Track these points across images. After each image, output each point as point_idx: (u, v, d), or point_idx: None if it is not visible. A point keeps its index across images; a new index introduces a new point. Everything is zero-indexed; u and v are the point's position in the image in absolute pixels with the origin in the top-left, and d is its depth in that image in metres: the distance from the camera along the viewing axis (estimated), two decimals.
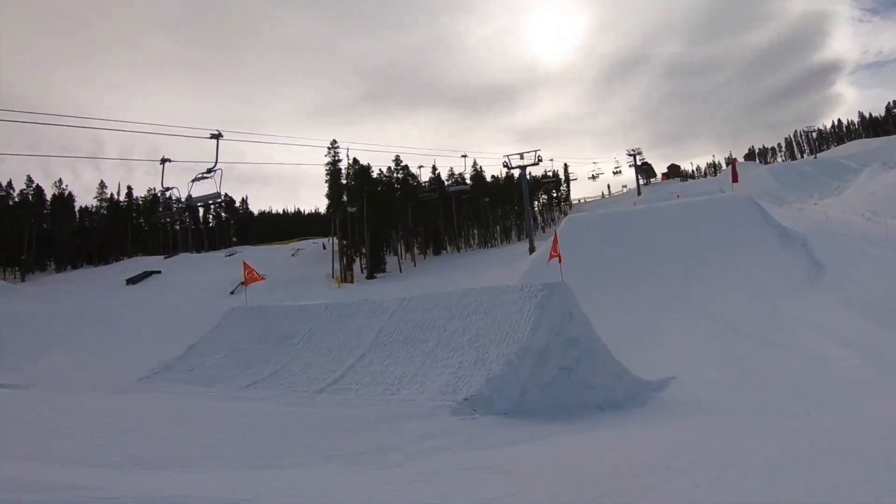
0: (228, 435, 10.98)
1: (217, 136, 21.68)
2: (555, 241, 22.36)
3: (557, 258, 21.20)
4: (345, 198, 68.19)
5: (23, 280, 72.00)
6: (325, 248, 75.11)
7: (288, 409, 14.16)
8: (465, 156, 66.67)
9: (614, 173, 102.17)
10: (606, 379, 15.72)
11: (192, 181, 22.13)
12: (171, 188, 25.71)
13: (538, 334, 15.07)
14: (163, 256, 78.94)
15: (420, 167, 76.11)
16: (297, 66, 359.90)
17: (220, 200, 21.97)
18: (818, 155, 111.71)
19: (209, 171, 22.07)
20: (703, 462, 6.10)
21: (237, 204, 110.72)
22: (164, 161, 23.77)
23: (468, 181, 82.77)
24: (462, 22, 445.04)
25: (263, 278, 25.69)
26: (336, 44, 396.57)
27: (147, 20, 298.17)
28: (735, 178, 51.56)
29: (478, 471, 7.29)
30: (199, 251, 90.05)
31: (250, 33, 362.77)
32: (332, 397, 15.27)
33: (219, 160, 22.74)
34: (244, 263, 25.91)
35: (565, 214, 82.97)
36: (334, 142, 68.05)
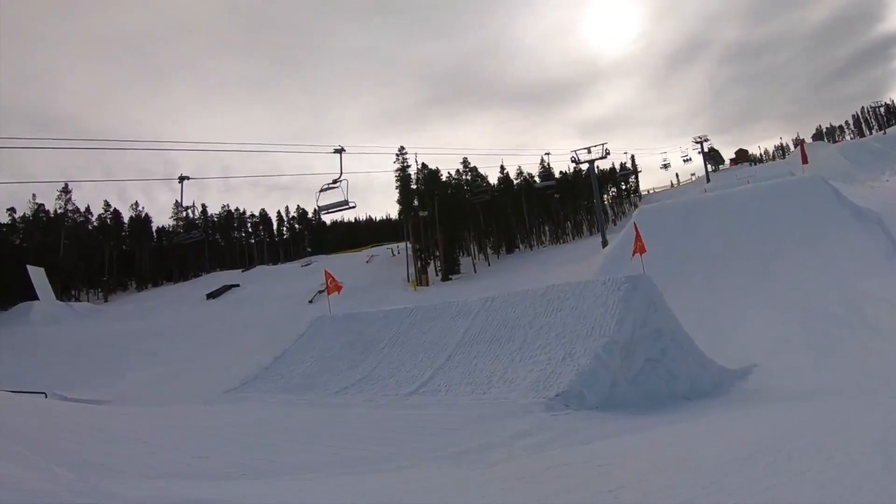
0: (329, 441, 11.17)
1: (340, 151, 22.47)
2: (637, 234, 22.11)
3: (640, 251, 21.12)
4: (416, 202, 68.60)
5: (106, 300, 73.95)
6: (394, 254, 75.64)
7: (382, 412, 14.35)
8: (547, 153, 66.46)
9: (684, 161, 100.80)
10: (692, 369, 15.66)
11: (320, 191, 23.03)
12: (190, 206, 26.36)
13: (624, 327, 15.11)
14: (240, 270, 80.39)
15: (474, 167, 76.46)
16: (361, 75, 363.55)
17: (347, 207, 22.69)
18: (887, 130, 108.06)
19: (335, 181, 22.96)
20: (807, 447, 6.03)
21: (310, 215, 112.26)
22: (182, 179, 24.11)
23: (537, 178, 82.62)
24: (519, 19, 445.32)
25: (340, 286, 26.04)
26: (398, 52, 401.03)
27: (216, 44, 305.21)
28: (804, 160, 50.46)
29: (582, 465, 7.33)
30: (275, 263, 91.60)
31: (314, 48, 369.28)
32: (424, 399, 15.44)
33: (343, 172, 23.57)
34: (326, 272, 26.33)
35: (635, 206, 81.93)
36: (402, 148, 68.68)
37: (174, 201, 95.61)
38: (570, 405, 12.79)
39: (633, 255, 21.47)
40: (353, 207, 24.29)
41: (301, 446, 10.75)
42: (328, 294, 26.02)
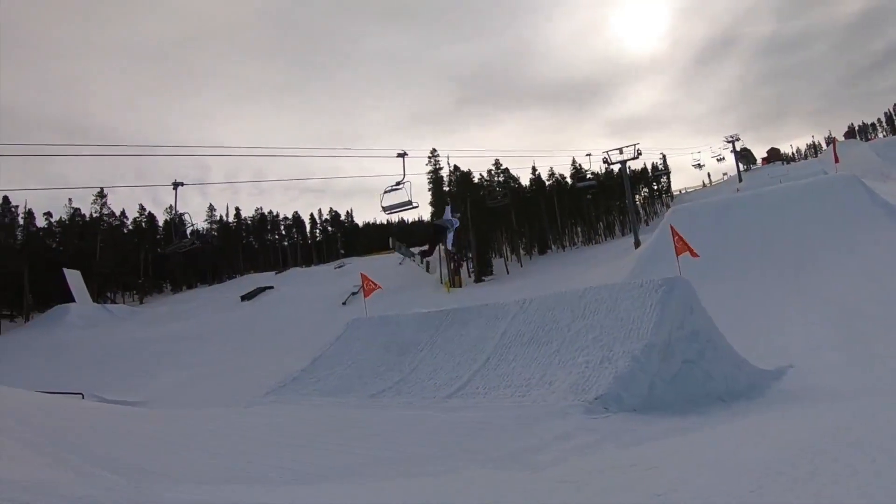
0: (370, 443, 11.22)
1: (403, 155, 23.23)
2: (678, 237, 21.86)
3: (689, 252, 21.07)
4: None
5: (141, 302, 74.73)
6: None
7: (421, 414, 14.33)
8: (588, 154, 65.48)
9: (718, 161, 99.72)
10: (727, 370, 15.61)
11: (384, 193, 23.79)
12: (184, 213, 26.46)
13: (661, 329, 15.07)
14: (274, 272, 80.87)
15: (505, 169, 76.42)
16: (389, 78, 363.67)
17: (410, 207, 23.54)
18: None
19: (398, 183, 23.70)
20: (848, 448, 6.01)
21: (342, 217, 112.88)
22: (176, 185, 24.22)
23: (568, 179, 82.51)
24: (547, 19, 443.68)
25: (380, 286, 26.34)
26: (425, 53, 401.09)
27: (244, 51, 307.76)
28: (836, 158, 50.27)
29: (627, 468, 7.36)
30: (308, 265, 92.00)
31: (341, 52, 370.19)
32: (462, 401, 15.46)
33: (405, 174, 24.36)
34: (362, 275, 26.60)
35: (667, 206, 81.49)
36: (434, 150, 68.84)
37: (208, 205, 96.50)
38: (608, 408, 12.80)
39: (693, 254, 21.35)
40: (416, 207, 25.00)
41: (342, 448, 10.81)
42: (365, 296, 26.25)
